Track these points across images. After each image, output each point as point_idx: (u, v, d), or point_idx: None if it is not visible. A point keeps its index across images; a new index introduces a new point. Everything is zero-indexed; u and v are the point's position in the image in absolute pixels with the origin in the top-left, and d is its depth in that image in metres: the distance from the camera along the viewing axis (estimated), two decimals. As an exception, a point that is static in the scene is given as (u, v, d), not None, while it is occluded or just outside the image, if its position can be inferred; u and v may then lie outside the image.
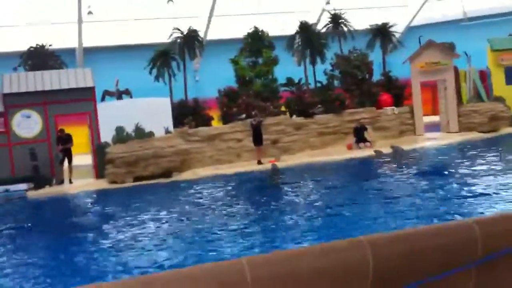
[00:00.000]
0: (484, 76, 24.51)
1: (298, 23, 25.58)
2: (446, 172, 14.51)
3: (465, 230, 4.77)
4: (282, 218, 10.87)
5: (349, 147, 21.05)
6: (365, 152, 19.75)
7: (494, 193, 11.06)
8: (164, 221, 11.56)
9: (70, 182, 18.23)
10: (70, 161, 18.67)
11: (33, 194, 17.04)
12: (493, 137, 21.26)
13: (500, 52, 24.45)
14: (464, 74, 24.09)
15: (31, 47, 24.24)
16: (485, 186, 11.88)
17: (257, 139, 19.41)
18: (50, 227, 12.52)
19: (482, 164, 15.06)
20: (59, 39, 26.73)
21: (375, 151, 19.24)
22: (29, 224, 12.95)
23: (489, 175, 13.21)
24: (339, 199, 12.51)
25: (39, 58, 23.76)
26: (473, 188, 11.99)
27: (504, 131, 22.14)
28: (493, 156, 16.70)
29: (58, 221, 13.30)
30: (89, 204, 15.78)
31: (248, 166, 18.82)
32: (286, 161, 19.14)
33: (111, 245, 9.94)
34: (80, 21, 29.64)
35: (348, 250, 4.33)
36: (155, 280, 4.02)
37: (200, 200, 13.80)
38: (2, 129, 18.59)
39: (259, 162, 18.95)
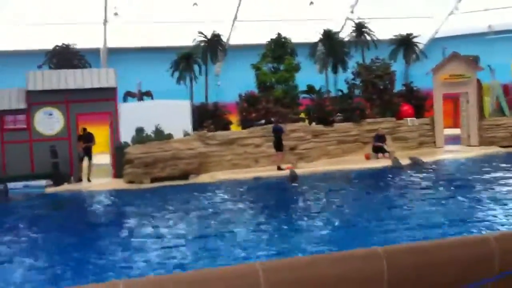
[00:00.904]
0: (507, 90, 24.22)
1: (322, 31, 25.55)
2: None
3: (482, 244, 4.71)
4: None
5: (367, 157, 20.93)
6: (383, 162, 19.62)
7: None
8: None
9: (89, 180, 18.40)
10: (89, 160, 18.91)
11: (51, 191, 17.24)
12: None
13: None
14: (487, 88, 23.83)
15: (56, 45, 24.53)
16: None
17: (279, 144, 19.44)
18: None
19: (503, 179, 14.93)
20: (84, 39, 27.02)
21: (393, 160, 19.03)
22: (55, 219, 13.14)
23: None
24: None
25: (64, 57, 24.02)
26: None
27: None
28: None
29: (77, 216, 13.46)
30: (115, 202, 15.86)
31: (266, 171, 18.83)
32: (305, 168, 19.08)
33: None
34: (105, 22, 29.94)
35: (363, 259, 4.30)
36: (168, 280, 4.04)
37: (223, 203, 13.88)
38: (24, 126, 18.83)
39: (279, 168, 18.95)
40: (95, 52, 29.64)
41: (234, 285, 3.89)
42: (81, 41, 25.72)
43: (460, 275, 4.41)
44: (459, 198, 12.69)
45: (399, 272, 4.25)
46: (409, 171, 17.53)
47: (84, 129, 19.27)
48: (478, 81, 23.42)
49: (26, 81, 18.99)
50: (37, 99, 18.83)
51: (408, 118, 23.15)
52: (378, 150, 21.04)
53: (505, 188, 13.61)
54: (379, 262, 4.26)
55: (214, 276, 4.05)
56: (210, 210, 12.91)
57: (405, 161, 19.05)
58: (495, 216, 10.57)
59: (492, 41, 33.48)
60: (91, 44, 29.08)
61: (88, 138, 19.05)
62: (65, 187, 17.49)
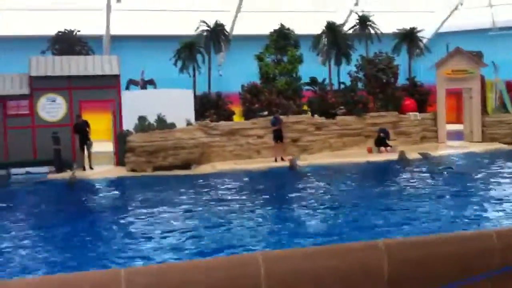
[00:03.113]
0: (511, 87, 24.18)
1: (325, 23, 25.48)
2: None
3: (483, 240, 4.73)
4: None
5: (369, 150, 20.96)
6: (387, 156, 19.64)
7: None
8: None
9: (91, 168, 18.39)
10: (88, 148, 18.70)
11: (53, 177, 17.26)
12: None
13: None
14: (491, 84, 23.79)
15: (60, 31, 24.47)
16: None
17: (278, 136, 19.49)
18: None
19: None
20: (87, 25, 26.94)
21: (401, 154, 18.93)
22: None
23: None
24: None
25: (67, 43, 23.97)
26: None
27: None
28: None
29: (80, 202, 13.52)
30: (115, 190, 15.90)
31: (267, 163, 18.86)
32: (308, 160, 19.11)
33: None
34: (108, 8, 29.85)
35: (364, 252, 4.33)
36: (170, 269, 4.07)
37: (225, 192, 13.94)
38: (27, 112, 18.84)
39: (281, 159, 19.00)
40: (98, 39, 29.57)
41: (235, 274, 3.91)
42: (84, 28, 25.66)
43: (461, 269, 4.43)
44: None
45: (400, 265, 4.27)
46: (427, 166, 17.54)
47: (78, 116, 18.75)
48: (482, 77, 23.38)
49: (29, 67, 18.98)
50: (40, 84, 18.82)
51: (411, 113, 23.14)
52: (380, 144, 21.05)
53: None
54: (380, 255, 4.29)
55: (215, 265, 4.08)
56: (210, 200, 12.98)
57: (411, 156, 18.98)
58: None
59: (496, 37, 33.38)
60: (94, 31, 29.01)
61: (83, 127, 18.60)
62: (67, 174, 17.51)
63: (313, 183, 15.30)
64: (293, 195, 13.66)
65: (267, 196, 13.47)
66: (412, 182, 14.96)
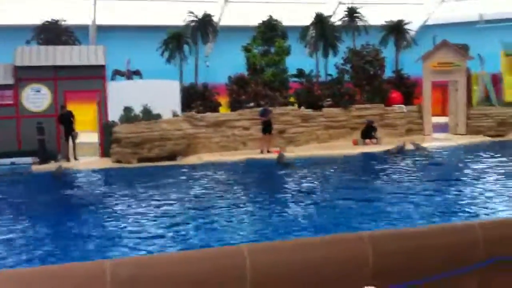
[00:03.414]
0: (496, 80, 24.36)
1: (314, 14, 25.43)
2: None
3: (468, 232, 4.77)
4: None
5: (355, 143, 21.05)
6: (375, 147, 19.76)
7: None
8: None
9: (75, 158, 18.26)
10: (73, 138, 18.55)
11: (37, 168, 17.10)
12: (500, 141, 21.21)
13: (513, 57, 24.29)
14: (476, 77, 23.94)
15: (45, 21, 24.20)
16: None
17: (268, 128, 19.48)
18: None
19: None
20: (73, 15, 26.67)
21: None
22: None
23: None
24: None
25: (53, 32, 23.71)
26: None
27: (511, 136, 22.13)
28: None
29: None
30: (99, 181, 15.80)
31: (253, 154, 18.85)
32: (295, 152, 19.12)
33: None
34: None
35: (348, 244, 4.34)
36: (156, 260, 4.05)
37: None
38: (11, 102, 18.63)
39: (267, 151, 18.99)
40: (84, 29, 29.30)
41: (220, 265, 3.91)
42: (70, 17, 25.39)
43: (446, 261, 4.46)
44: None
45: (385, 257, 4.29)
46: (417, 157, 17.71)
47: (63, 107, 18.53)
48: (468, 70, 23.51)
49: (14, 56, 18.76)
50: (25, 74, 18.62)
51: (396, 105, 23.24)
52: (367, 136, 21.13)
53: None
54: (364, 247, 4.30)
55: (201, 256, 4.07)
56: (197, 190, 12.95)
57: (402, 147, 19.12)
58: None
59: (483, 30, 33.57)
60: (80, 20, 28.73)
61: (67, 118, 18.38)
62: (52, 165, 17.36)
63: (298, 175, 15.29)
64: (275, 187, 13.70)
65: (251, 189, 13.49)
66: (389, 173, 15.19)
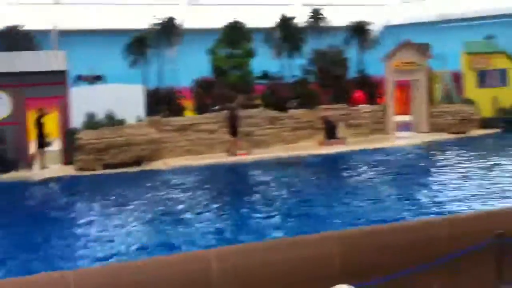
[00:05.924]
0: (457, 78, 24.86)
1: (278, 16, 25.50)
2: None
3: (434, 228, 4.84)
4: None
5: (320, 143, 21.20)
6: (338, 148, 19.92)
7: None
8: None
9: (43, 167, 17.84)
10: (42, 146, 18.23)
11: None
12: (461, 138, 21.65)
13: (474, 56, 24.78)
14: (437, 76, 24.37)
15: (5, 26, 23.65)
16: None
17: (233, 130, 19.44)
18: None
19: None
20: (35, 20, 26.16)
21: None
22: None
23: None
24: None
25: (13, 38, 23.18)
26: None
27: (472, 133, 22.59)
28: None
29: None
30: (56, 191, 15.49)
31: (220, 158, 18.79)
32: (259, 154, 19.14)
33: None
34: (56, 2, 29.11)
35: (316, 244, 4.36)
36: (121, 269, 3.98)
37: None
38: (-29, 110, 18.15)
39: (233, 154, 18.94)
40: (45, 34, 28.75)
41: (186, 270, 3.89)
42: (31, 23, 24.88)
43: (412, 257, 4.51)
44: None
45: (355, 255, 4.32)
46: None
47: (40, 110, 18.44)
48: (429, 68, 23.92)
49: (-28, 64, 18.28)
50: (-16, 82, 18.18)
51: (361, 105, 23.50)
52: (331, 136, 21.31)
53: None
54: (333, 246, 4.32)
55: (166, 263, 4.04)
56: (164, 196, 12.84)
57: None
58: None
59: (444, 29, 34.23)
60: (41, 25, 28.19)
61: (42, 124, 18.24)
62: (12, 175, 16.93)
63: (261, 176, 15.31)
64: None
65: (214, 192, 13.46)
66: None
